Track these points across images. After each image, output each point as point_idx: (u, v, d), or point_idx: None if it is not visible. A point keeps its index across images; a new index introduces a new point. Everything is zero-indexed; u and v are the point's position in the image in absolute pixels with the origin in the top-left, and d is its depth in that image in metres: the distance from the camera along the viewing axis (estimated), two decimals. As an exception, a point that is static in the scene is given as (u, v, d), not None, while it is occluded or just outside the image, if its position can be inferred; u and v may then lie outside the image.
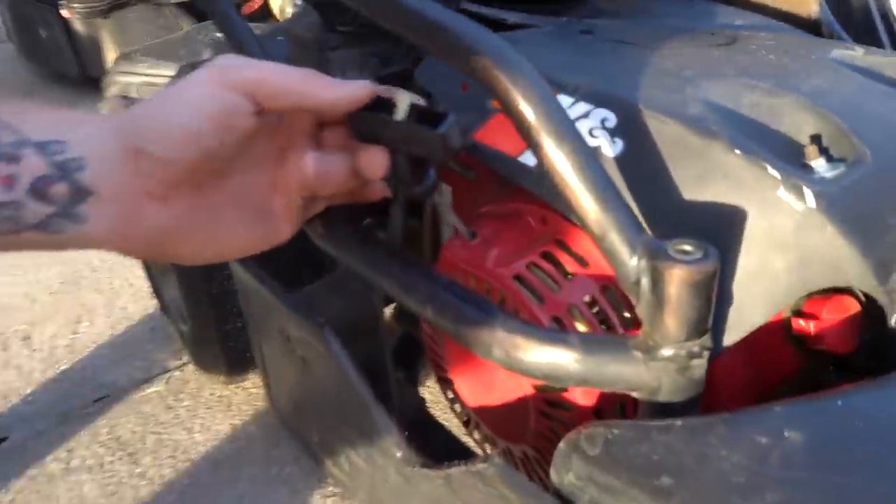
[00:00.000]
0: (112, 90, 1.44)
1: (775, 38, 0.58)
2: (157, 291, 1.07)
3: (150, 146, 0.33)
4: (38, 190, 0.32)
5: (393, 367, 0.75)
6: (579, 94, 0.45)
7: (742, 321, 0.40)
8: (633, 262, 0.34)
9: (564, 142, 0.33)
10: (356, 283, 0.47)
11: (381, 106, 0.35)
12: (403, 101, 0.35)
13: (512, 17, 0.63)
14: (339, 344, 0.53)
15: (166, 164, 0.34)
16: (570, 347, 0.37)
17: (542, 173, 0.42)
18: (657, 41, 0.53)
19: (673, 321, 0.33)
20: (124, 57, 1.46)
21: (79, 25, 2.13)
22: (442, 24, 0.37)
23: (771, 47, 0.53)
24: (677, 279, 0.32)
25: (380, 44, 0.61)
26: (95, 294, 1.39)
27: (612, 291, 0.46)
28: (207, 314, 0.82)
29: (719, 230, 0.39)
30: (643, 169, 0.41)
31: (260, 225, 0.39)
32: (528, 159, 0.45)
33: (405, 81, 0.63)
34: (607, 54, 0.51)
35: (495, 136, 0.47)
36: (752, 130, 0.42)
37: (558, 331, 0.38)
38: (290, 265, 0.79)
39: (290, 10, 1.75)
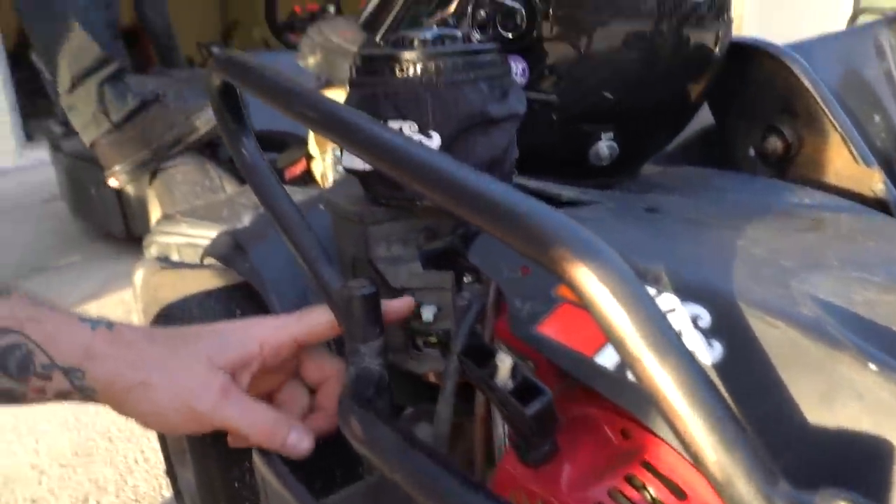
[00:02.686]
0: (152, 251, 1.45)
1: (862, 221, 0.52)
2: (171, 472, 0.98)
3: (143, 418, 0.47)
4: (61, 394, 0.45)
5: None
6: (662, 285, 0.39)
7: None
8: (768, 522, 0.26)
9: (669, 357, 0.27)
10: (398, 490, 0.39)
11: (485, 355, 0.39)
12: (504, 363, 0.38)
13: (567, 192, 0.59)
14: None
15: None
16: None
17: (628, 383, 0.35)
18: (734, 221, 0.48)
19: None
20: (166, 218, 1.49)
21: (128, 186, 2.22)
22: (507, 205, 0.32)
23: (863, 232, 0.48)
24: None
25: (426, 217, 0.57)
26: (108, 468, 1.29)
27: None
28: (222, 506, 0.72)
29: (861, 467, 0.31)
30: (750, 381, 0.34)
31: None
32: (606, 360, 0.38)
33: (450, 256, 0.59)
34: (685, 237, 0.45)
35: (563, 329, 0.41)
36: (877, 337, 0.35)
37: None
38: (322, 464, 0.71)
39: (332, 176, 1.79)
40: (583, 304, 0.29)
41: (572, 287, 0.29)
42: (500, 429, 0.55)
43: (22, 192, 3.69)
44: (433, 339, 0.57)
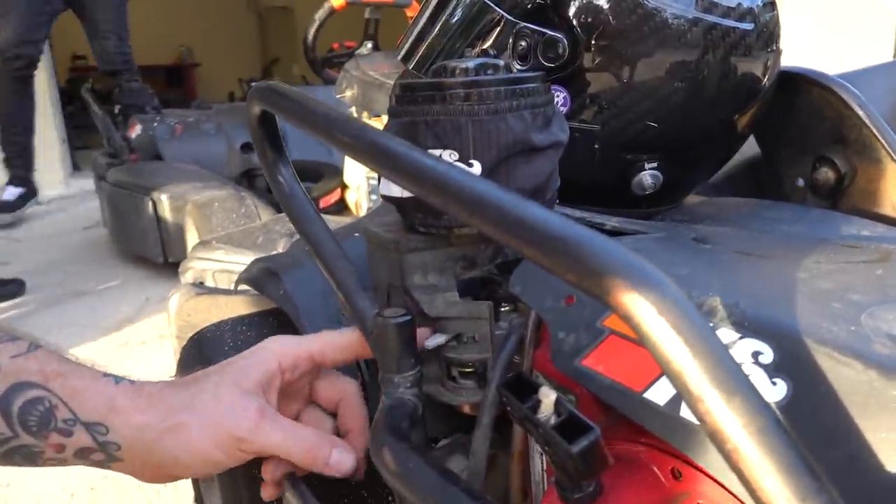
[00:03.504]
0: (187, 276, 1.46)
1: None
2: (200, 499, 0.96)
3: (178, 464, 0.45)
4: (81, 452, 0.44)
5: None
6: (718, 318, 0.36)
7: None
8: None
9: (736, 397, 0.24)
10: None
11: (526, 388, 0.37)
12: (548, 397, 0.36)
13: (611, 221, 0.57)
14: None
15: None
16: None
17: (681, 421, 0.32)
18: (793, 253, 0.46)
19: None
20: (203, 244, 1.50)
21: (167, 213, 2.26)
22: (555, 232, 0.30)
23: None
24: None
25: (463, 246, 0.56)
26: (137, 492, 1.29)
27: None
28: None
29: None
30: (820, 425, 0.31)
31: None
32: (657, 396, 0.36)
33: (488, 285, 0.57)
34: (741, 268, 0.43)
35: (610, 363, 0.39)
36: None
37: None
38: (351, 496, 0.69)
39: (366, 205, 1.80)
40: (637, 339, 0.27)
41: (626, 319, 0.27)
42: (538, 465, 0.53)
43: (65, 219, 3.79)
44: (469, 370, 0.55)
